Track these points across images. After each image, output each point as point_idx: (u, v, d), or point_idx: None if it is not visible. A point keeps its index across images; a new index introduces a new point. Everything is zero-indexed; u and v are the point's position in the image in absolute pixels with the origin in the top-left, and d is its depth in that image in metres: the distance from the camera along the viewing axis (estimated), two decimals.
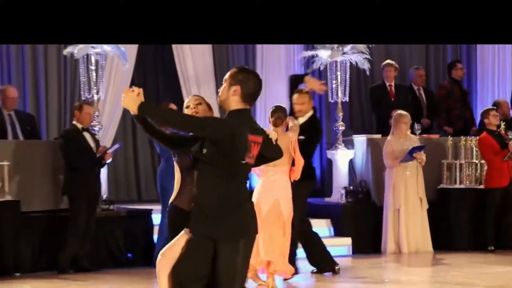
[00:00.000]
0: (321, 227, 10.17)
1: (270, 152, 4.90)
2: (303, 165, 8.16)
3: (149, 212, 9.69)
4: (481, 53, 13.48)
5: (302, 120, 8.53)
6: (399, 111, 10.41)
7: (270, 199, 7.86)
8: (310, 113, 8.58)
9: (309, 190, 8.84)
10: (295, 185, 8.15)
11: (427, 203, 10.32)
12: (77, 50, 9.83)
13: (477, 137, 10.88)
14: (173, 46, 11.34)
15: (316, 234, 8.92)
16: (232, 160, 4.60)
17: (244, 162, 4.64)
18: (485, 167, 10.78)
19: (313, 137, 8.55)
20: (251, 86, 4.63)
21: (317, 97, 10.37)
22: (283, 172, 7.91)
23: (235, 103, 4.61)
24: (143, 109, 4.53)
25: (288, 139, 7.89)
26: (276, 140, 4.92)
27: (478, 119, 12.42)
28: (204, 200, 4.62)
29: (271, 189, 7.89)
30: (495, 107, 11.17)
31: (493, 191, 10.59)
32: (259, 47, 12.16)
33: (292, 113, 8.61)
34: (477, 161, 10.83)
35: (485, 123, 10.79)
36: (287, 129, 8.16)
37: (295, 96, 8.60)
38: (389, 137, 10.31)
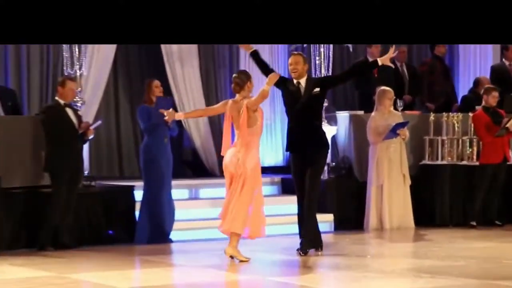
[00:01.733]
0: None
1: None
2: None
3: (131, 189, 9.76)
4: None
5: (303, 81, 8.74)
6: (383, 87, 10.61)
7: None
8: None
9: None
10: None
11: (410, 179, 10.57)
12: None
13: (471, 114, 10.96)
14: None
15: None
16: None
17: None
18: (470, 144, 10.92)
19: None
20: None
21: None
22: None
23: None
24: None
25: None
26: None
27: (460, 95, 12.98)
28: None
29: None
30: (498, 88, 11.16)
31: (486, 167, 10.75)
32: None
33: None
34: (459, 138, 11.02)
35: (484, 100, 10.85)
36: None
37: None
38: (373, 113, 10.54)
